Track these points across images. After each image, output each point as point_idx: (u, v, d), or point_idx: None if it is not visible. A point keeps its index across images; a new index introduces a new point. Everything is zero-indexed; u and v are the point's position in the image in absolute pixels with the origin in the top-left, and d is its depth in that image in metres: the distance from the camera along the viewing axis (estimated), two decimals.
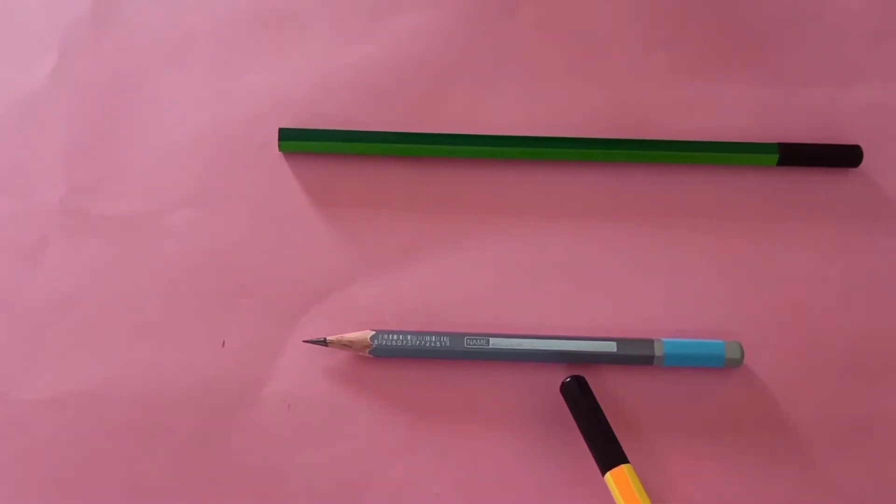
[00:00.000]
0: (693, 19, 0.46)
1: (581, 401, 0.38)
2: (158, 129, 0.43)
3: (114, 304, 0.40)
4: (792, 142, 0.43)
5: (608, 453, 0.37)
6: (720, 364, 0.39)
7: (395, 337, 0.39)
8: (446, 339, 0.39)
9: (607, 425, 0.37)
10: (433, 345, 0.39)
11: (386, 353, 0.39)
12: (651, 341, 0.39)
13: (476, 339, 0.39)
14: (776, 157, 0.42)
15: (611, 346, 0.39)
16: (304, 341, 0.39)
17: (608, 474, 0.36)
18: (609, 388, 0.39)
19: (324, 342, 0.39)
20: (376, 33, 0.45)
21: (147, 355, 0.40)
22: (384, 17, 0.45)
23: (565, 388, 0.38)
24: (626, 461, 0.36)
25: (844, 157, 0.43)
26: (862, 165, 0.43)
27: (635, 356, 0.39)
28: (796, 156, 0.43)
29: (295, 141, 0.42)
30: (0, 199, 0.42)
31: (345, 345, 0.39)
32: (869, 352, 0.40)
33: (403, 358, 0.39)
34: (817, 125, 0.44)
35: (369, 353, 0.39)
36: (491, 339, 0.39)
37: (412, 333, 0.39)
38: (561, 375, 0.39)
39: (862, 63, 0.45)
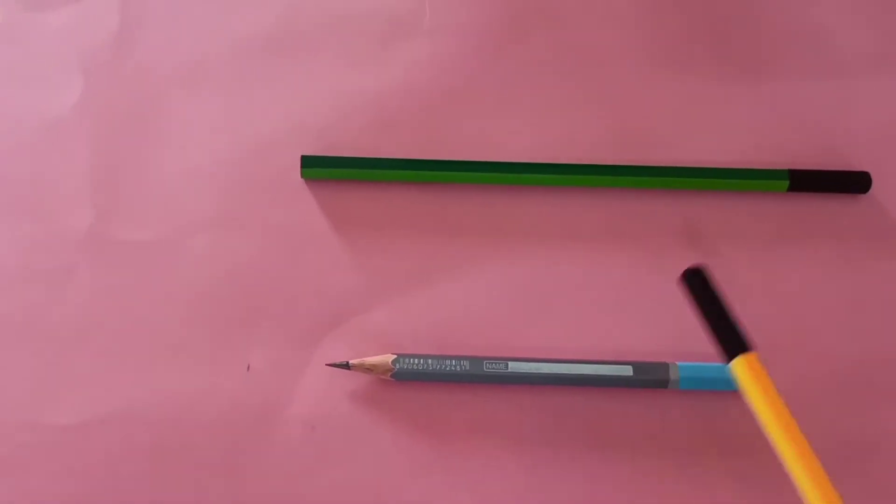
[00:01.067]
0: (700, 44, 0.47)
1: (705, 290, 0.36)
2: (180, 154, 0.44)
3: (139, 329, 0.41)
4: (800, 167, 0.44)
5: (733, 342, 0.35)
6: (734, 387, 0.40)
7: (416, 361, 0.40)
8: (466, 363, 0.40)
9: (731, 314, 0.36)
10: (453, 368, 0.40)
11: (407, 377, 0.40)
12: (666, 365, 0.40)
13: (495, 364, 0.40)
14: (787, 183, 0.43)
15: (627, 370, 0.40)
16: (328, 365, 0.40)
17: (733, 362, 0.35)
18: (624, 411, 0.40)
19: (346, 366, 0.40)
20: (389, 60, 0.46)
21: (171, 379, 0.40)
22: (397, 43, 0.46)
23: (686, 279, 0.37)
24: (752, 349, 0.35)
25: (853, 183, 0.44)
26: (871, 191, 0.44)
27: (650, 380, 0.40)
28: (806, 182, 0.44)
29: (316, 168, 0.43)
30: (28, 225, 0.43)
31: (367, 368, 0.40)
32: (875, 374, 0.41)
33: (424, 381, 0.40)
34: (825, 149, 0.45)
35: (391, 376, 0.40)
36: (510, 363, 0.40)
37: (433, 357, 0.40)
38: (578, 398, 0.40)
39: (869, 88, 0.46)
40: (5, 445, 0.39)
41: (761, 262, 0.43)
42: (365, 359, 0.40)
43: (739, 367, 0.35)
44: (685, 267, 0.42)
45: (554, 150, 0.45)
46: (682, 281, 0.37)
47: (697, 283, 0.37)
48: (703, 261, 0.43)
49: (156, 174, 0.44)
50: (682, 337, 0.42)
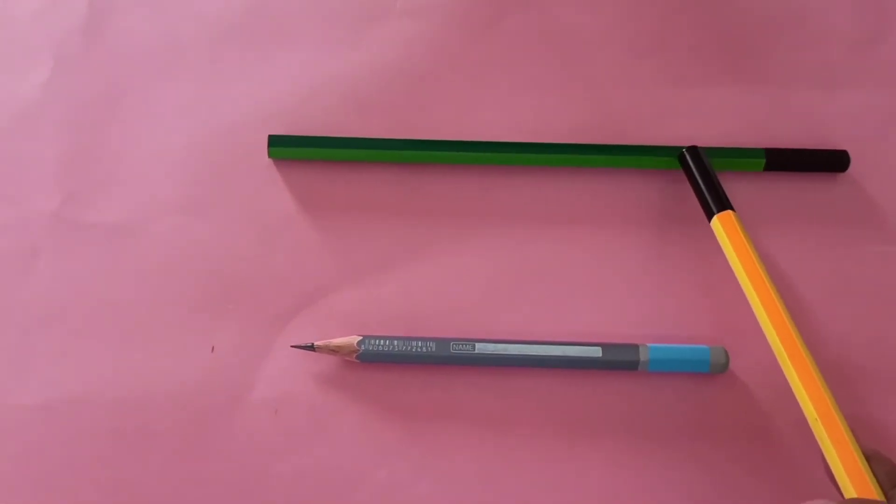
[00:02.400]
0: (678, 26, 0.46)
1: (696, 163, 0.41)
2: (149, 137, 0.44)
3: (104, 311, 0.41)
4: (778, 147, 0.44)
5: (716, 200, 0.40)
6: (705, 369, 0.39)
7: (381, 342, 0.39)
8: (432, 345, 0.39)
9: (717, 182, 0.41)
10: (419, 350, 0.39)
11: (373, 359, 0.39)
12: (636, 346, 0.39)
13: (462, 345, 0.39)
14: (763, 161, 0.43)
15: (596, 352, 0.39)
16: (292, 346, 0.40)
17: (714, 218, 0.39)
18: (594, 393, 0.40)
19: (311, 347, 0.39)
20: (363, 41, 0.45)
21: (136, 361, 0.40)
22: (371, 25, 0.46)
23: (683, 157, 0.42)
24: (731, 208, 0.39)
25: (831, 161, 0.43)
26: (849, 170, 0.43)
27: (620, 361, 0.39)
28: (783, 161, 0.43)
29: (284, 147, 0.42)
30: None
31: (332, 350, 0.39)
32: (853, 356, 0.41)
33: (390, 363, 0.40)
34: (804, 130, 0.44)
35: (356, 358, 0.39)
36: (477, 344, 0.39)
37: (399, 339, 0.39)
38: (545, 380, 0.40)
39: (848, 68, 0.45)
40: None
41: None
42: (330, 340, 0.39)
43: (719, 223, 0.39)
44: (658, 265, 0.42)
45: (529, 133, 0.44)
46: (680, 158, 0.42)
47: (692, 158, 0.42)
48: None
49: (123, 157, 0.43)
50: (653, 320, 0.41)
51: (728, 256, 0.38)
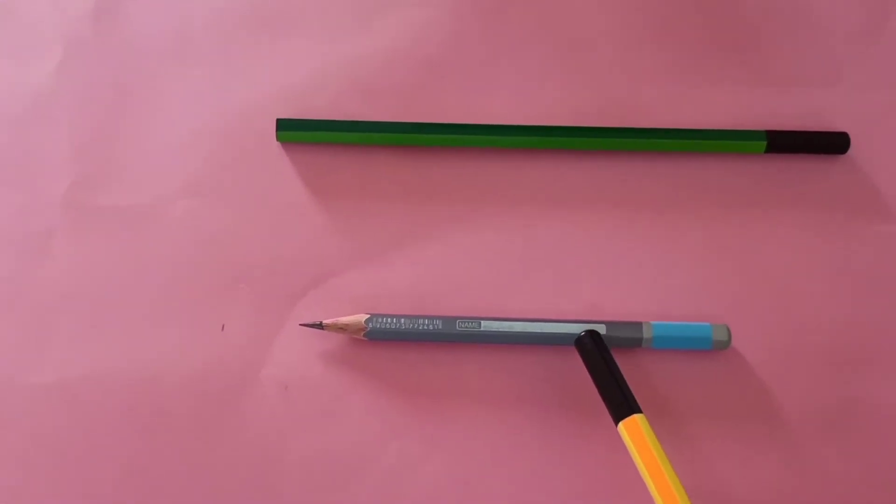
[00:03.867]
0: (682, 15, 0.47)
1: (594, 354, 0.38)
2: (159, 122, 0.44)
3: (117, 293, 0.42)
4: (777, 128, 0.44)
5: (620, 404, 0.37)
6: (707, 346, 0.40)
7: (388, 320, 0.40)
8: (439, 323, 0.40)
9: (621, 378, 0.38)
10: (426, 328, 0.40)
11: (380, 336, 0.40)
12: (639, 324, 0.40)
13: (468, 323, 0.40)
14: (764, 143, 0.43)
15: (600, 329, 0.40)
16: (301, 325, 0.40)
17: (621, 424, 0.37)
18: None
19: (320, 326, 0.40)
20: (370, 26, 0.46)
21: (149, 341, 0.41)
22: (378, 10, 0.46)
23: (579, 343, 0.39)
24: (639, 411, 0.37)
25: (832, 144, 0.44)
26: (849, 153, 0.44)
27: (624, 338, 0.40)
28: (784, 143, 0.43)
29: (292, 131, 0.43)
30: (6, 192, 0.43)
31: (340, 328, 0.40)
32: (854, 336, 0.41)
33: (397, 341, 0.40)
34: (805, 118, 0.45)
35: (364, 335, 0.40)
36: (482, 322, 0.40)
37: (405, 317, 0.40)
38: (551, 357, 0.40)
39: (850, 54, 0.46)
40: None
41: (739, 224, 0.43)
42: (338, 319, 0.40)
43: (625, 429, 0.36)
44: (662, 246, 0.42)
45: (534, 116, 0.45)
46: (577, 344, 0.39)
47: (589, 348, 0.39)
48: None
49: (134, 142, 0.44)
50: (656, 298, 0.41)
51: (637, 460, 0.36)
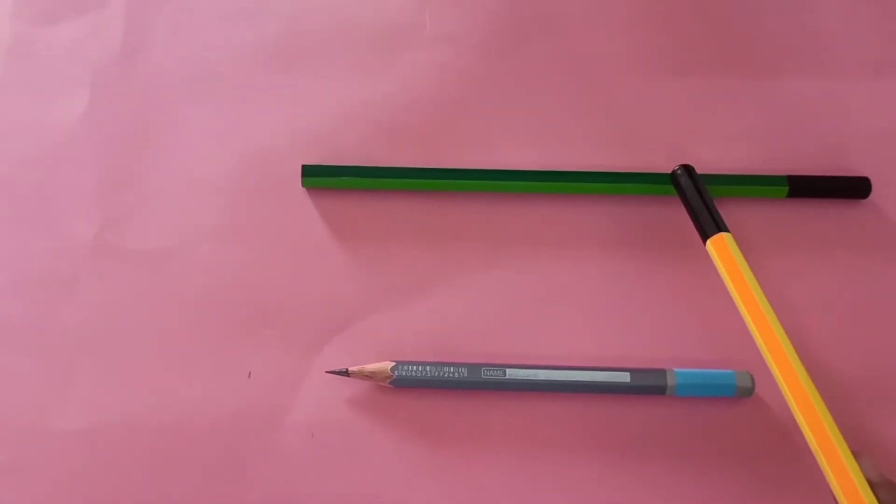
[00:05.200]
0: (699, 52, 0.47)
1: (689, 184, 0.42)
2: (185, 165, 0.45)
3: (142, 336, 0.42)
4: (799, 173, 0.44)
5: (709, 222, 0.40)
6: (731, 393, 0.40)
7: (414, 368, 0.40)
8: (464, 370, 0.40)
9: (711, 203, 0.41)
10: (451, 375, 0.40)
11: (406, 384, 0.40)
12: (664, 371, 0.40)
13: (493, 370, 0.40)
14: (786, 188, 0.43)
15: (624, 377, 0.40)
16: (327, 372, 0.41)
17: (708, 241, 0.39)
18: (622, 417, 0.40)
19: (346, 373, 0.40)
20: (392, 70, 0.46)
21: (175, 385, 0.41)
22: (399, 54, 0.47)
23: (676, 176, 0.42)
24: (726, 230, 0.39)
25: (853, 188, 0.44)
26: (871, 197, 0.44)
27: (648, 386, 0.40)
28: (806, 187, 0.44)
29: (317, 177, 0.43)
30: (33, 235, 0.44)
31: (366, 375, 0.40)
32: (877, 379, 0.41)
33: (423, 388, 0.41)
34: (825, 156, 0.45)
35: (390, 383, 0.40)
36: (507, 369, 0.40)
37: (431, 364, 0.40)
38: (575, 405, 0.40)
39: (868, 93, 0.46)
40: (10, 450, 0.40)
41: (761, 268, 0.43)
42: (364, 366, 0.40)
43: (713, 246, 0.39)
44: (684, 290, 0.43)
45: (553, 156, 0.45)
46: (672, 177, 0.42)
47: (685, 177, 0.42)
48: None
49: (160, 184, 0.45)
50: (680, 344, 0.42)
51: (723, 279, 0.38)
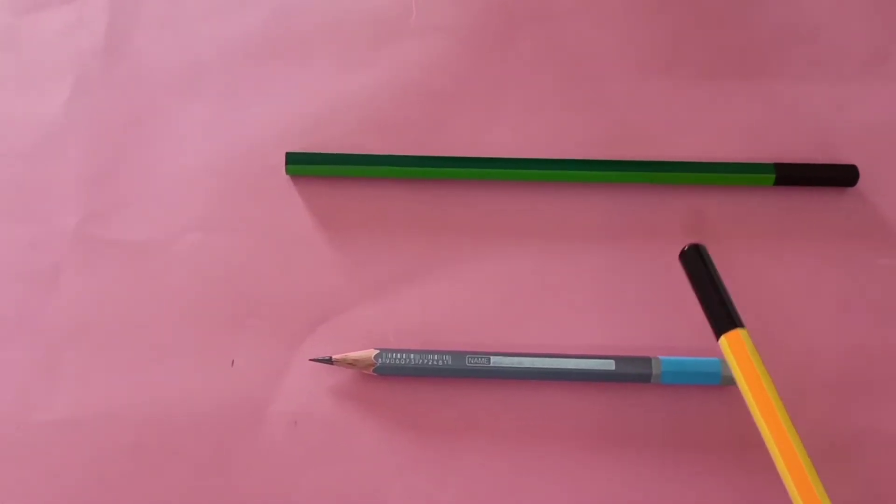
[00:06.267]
0: (688, 43, 0.47)
1: (701, 268, 0.38)
2: (168, 155, 0.45)
3: (127, 327, 0.42)
4: (788, 161, 0.44)
5: (725, 317, 0.36)
6: (717, 381, 0.40)
7: (398, 356, 0.40)
8: (448, 358, 0.40)
9: (725, 292, 0.37)
10: (436, 363, 0.40)
11: (390, 372, 0.40)
12: (649, 359, 0.40)
13: (477, 358, 0.40)
14: (773, 177, 0.43)
15: (609, 365, 0.40)
16: (311, 360, 0.40)
17: (722, 338, 0.36)
18: (608, 405, 0.40)
19: (329, 361, 0.40)
20: (379, 60, 0.46)
21: (159, 376, 0.41)
22: (386, 44, 0.47)
23: (683, 256, 0.38)
24: (741, 325, 0.36)
25: (840, 176, 0.44)
26: (858, 185, 0.44)
27: (633, 374, 0.40)
28: (793, 176, 0.43)
29: (301, 165, 0.43)
30: (16, 226, 0.43)
31: (349, 363, 0.40)
32: (863, 368, 0.41)
33: (407, 376, 0.40)
34: (813, 145, 0.45)
35: (373, 371, 0.40)
36: (492, 357, 0.40)
37: (415, 352, 0.40)
38: (560, 392, 0.40)
39: (858, 82, 0.46)
40: None
41: (748, 257, 0.43)
42: (347, 354, 0.40)
43: (727, 343, 0.36)
44: (671, 279, 0.42)
45: (542, 149, 0.45)
46: (681, 257, 0.38)
47: (695, 260, 0.38)
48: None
49: (144, 175, 0.44)
50: (666, 332, 0.41)
51: (737, 376, 0.35)
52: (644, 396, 0.40)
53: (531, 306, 0.42)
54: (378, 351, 0.40)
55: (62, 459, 0.40)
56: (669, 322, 0.42)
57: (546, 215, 0.44)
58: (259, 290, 0.42)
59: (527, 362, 0.40)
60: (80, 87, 0.46)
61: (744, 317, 0.42)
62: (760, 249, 0.43)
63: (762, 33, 0.47)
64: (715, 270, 0.38)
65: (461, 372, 0.40)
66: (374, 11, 0.48)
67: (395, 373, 0.40)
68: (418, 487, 0.39)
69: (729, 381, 0.40)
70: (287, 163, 0.43)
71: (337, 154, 0.44)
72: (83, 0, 0.48)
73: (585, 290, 0.42)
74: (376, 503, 0.39)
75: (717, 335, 0.36)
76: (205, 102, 0.46)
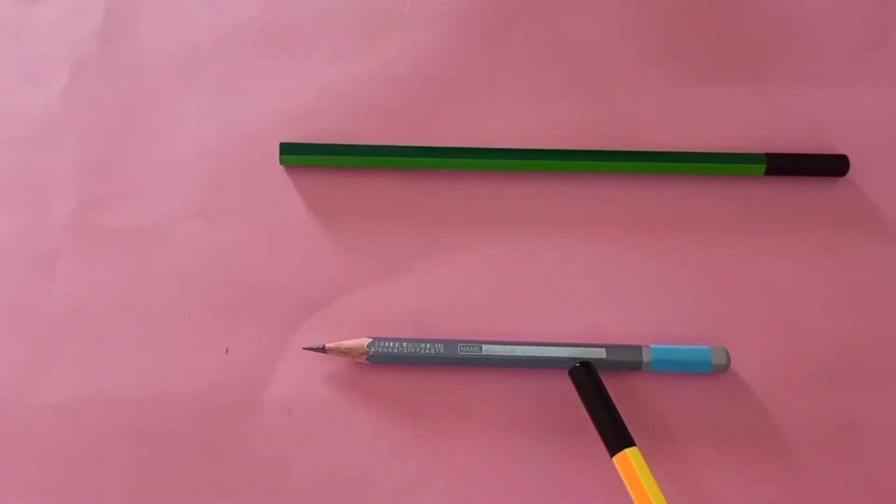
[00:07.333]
0: (683, 33, 0.47)
1: (589, 386, 0.38)
2: (164, 144, 0.45)
3: (123, 314, 0.42)
4: (780, 151, 0.44)
5: (616, 437, 0.37)
6: (707, 370, 0.40)
7: (391, 344, 0.40)
8: (441, 347, 0.40)
9: (615, 410, 0.38)
10: (428, 352, 0.40)
11: (383, 360, 0.40)
12: (639, 347, 0.40)
13: (469, 346, 0.40)
14: (764, 167, 0.43)
15: (600, 353, 0.40)
16: (304, 348, 0.41)
17: (615, 457, 0.37)
18: None
19: (323, 349, 0.40)
20: (374, 50, 0.46)
21: (154, 362, 0.41)
22: (382, 34, 0.47)
23: (574, 374, 0.39)
24: (633, 444, 0.37)
25: (831, 166, 0.44)
26: (849, 175, 0.44)
27: (624, 362, 0.40)
28: (784, 166, 0.44)
29: (295, 155, 0.44)
30: (12, 213, 0.44)
31: (343, 352, 0.40)
32: (854, 358, 0.41)
33: (400, 364, 0.41)
34: (805, 135, 0.45)
35: (367, 359, 0.40)
36: (484, 346, 0.40)
37: (408, 341, 0.40)
38: (552, 380, 0.41)
39: (849, 73, 0.46)
40: None
41: (739, 247, 0.43)
42: (341, 342, 0.40)
43: (621, 461, 0.37)
44: (662, 268, 0.43)
45: (535, 139, 0.45)
46: (570, 374, 0.39)
47: (583, 379, 0.39)
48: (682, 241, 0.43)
49: (140, 163, 0.45)
50: (656, 320, 0.42)
51: (632, 492, 0.36)
52: (635, 384, 0.41)
53: (523, 295, 0.42)
54: (371, 339, 0.40)
55: (58, 445, 0.40)
56: (660, 311, 0.42)
57: (538, 205, 0.44)
58: (253, 279, 0.43)
59: (518, 350, 0.40)
60: (78, 75, 0.46)
61: (734, 307, 0.42)
62: (751, 239, 0.43)
63: (755, 25, 0.47)
64: (603, 388, 0.38)
65: (453, 360, 0.40)
66: (369, 1, 0.48)
67: (388, 361, 0.40)
68: (411, 473, 0.40)
69: (719, 370, 0.40)
70: (281, 153, 0.44)
71: (331, 144, 0.44)
72: None
73: (577, 279, 0.43)
74: (369, 489, 0.39)
75: (611, 454, 0.37)
76: (201, 91, 0.46)
